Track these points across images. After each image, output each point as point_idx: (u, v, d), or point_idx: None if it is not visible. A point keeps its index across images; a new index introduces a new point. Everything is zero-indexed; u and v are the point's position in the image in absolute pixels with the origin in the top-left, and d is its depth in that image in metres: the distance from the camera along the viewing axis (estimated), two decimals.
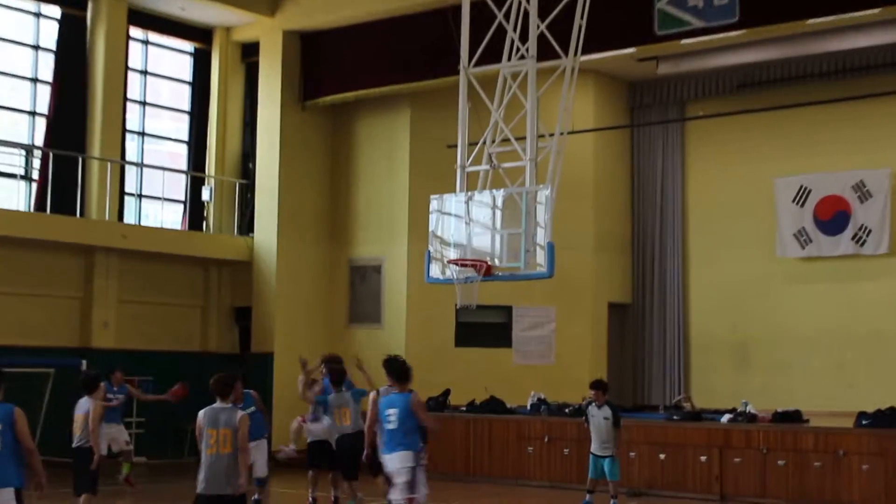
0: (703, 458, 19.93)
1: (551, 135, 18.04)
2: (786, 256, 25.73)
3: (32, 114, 25.14)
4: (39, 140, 24.97)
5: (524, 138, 18.03)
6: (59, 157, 24.68)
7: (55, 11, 25.24)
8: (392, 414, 13.06)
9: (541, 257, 17.31)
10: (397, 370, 13.41)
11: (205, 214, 27.69)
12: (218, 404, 11.66)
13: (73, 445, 15.17)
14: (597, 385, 17.85)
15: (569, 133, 18.59)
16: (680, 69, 24.94)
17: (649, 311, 27.40)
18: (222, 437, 11.40)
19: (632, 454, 19.94)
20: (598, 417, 17.53)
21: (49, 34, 25.29)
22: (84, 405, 15.18)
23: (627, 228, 27.85)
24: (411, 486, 12.94)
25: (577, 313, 25.88)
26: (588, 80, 25.39)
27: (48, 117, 24.97)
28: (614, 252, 27.25)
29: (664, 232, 27.44)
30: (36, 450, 9.70)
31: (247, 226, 27.50)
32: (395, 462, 13.05)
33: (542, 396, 22.69)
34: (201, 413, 11.63)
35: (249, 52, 27.87)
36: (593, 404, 17.66)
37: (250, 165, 27.64)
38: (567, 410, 21.53)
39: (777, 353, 25.60)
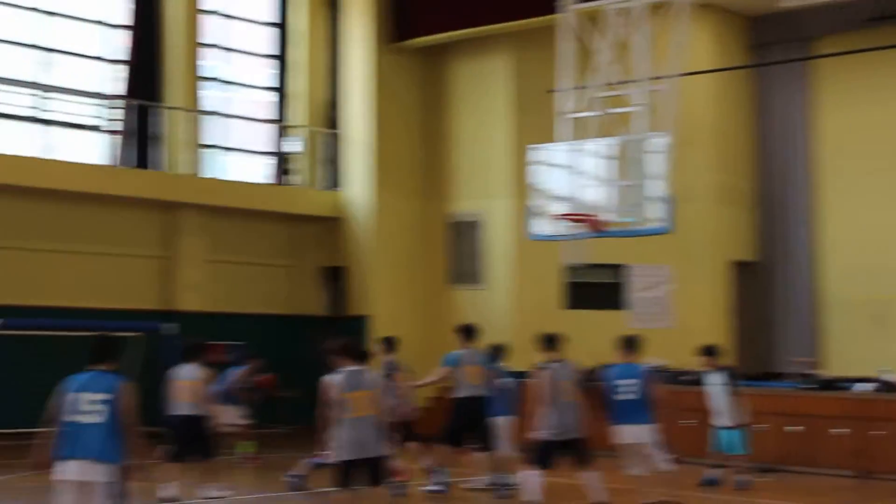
0: (837, 431, 19.48)
1: (665, 77, 17.71)
2: None
3: (108, 61, 25.32)
4: (117, 89, 25.16)
5: (635, 81, 17.73)
6: (137, 106, 24.88)
7: None
8: (630, 384, 14.37)
9: (656, 211, 17.10)
10: (632, 342, 14.96)
11: (291, 168, 27.73)
12: (352, 367, 12.03)
13: (182, 413, 15.52)
14: (706, 351, 17.78)
15: (684, 75, 18.28)
16: (805, 2, 24.18)
17: (776, 269, 26.71)
18: (363, 399, 11.82)
19: (760, 427, 19.52)
20: (712, 384, 17.45)
21: None
22: (189, 372, 15.51)
23: (751, 179, 27.11)
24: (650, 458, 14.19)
25: (697, 272, 25.37)
26: (705, 15, 24.82)
27: (127, 64, 25.14)
28: (737, 205, 26.61)
29: (792, 182, 26.63)
30: (136, 428, 9.66)
31: (336, 180, 27.49)
32: (639, 434, 14.30)
33: (662, 362, 22.38)
34: (336, 378, 11.95)
35: None
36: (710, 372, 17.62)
37: (338, 114, 27.63)
38: (685, 378, 21.23)
39: None
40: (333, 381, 11.95)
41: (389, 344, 17.50)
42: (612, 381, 14.64)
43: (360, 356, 12.30)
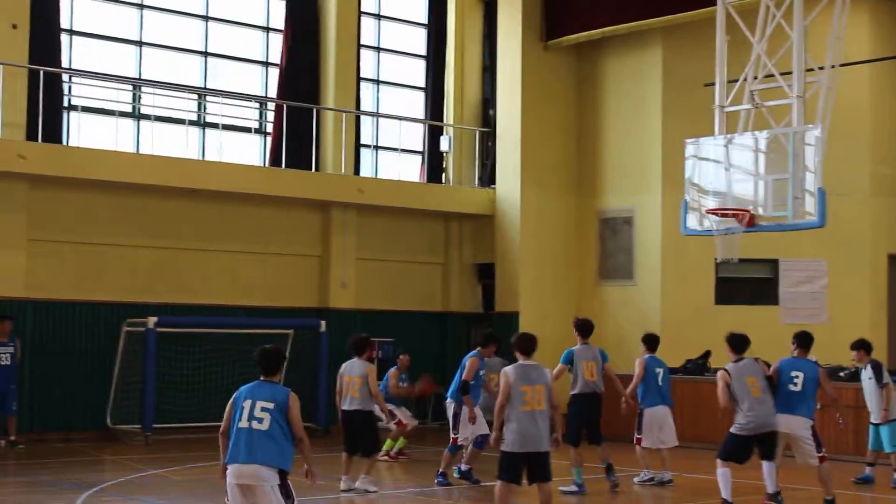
0: None
1: (821, 68, 17.47)
2: None
3: (265, 64, 25.61)
4: (273, 92, 25.45)
5: (790, 73, 17.51)
6: (292, 108, 25.13)
7: None
8: (798, 377, 14.51)
9: (811, 205, 16.97)
10: (806, 338, 15.20)
11: (444, 165, 27.78)
12: (525, 361, 12.11)
13: (351, 408, 15.79)
14: (856, 345, 17.37)
15: (841, 65, 17.95)
16: None
17: None
18: (536, 393, 11.91)
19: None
20: (865, 380, 17.22)
21: None
22: (357, 368, 15.79)
23: None
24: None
25: (853, 267, 24.84)
26: (862, 4, 24.24)
27: (281, 67, 25.41)
28: (894, 198, 25.97)
29: None
30: (307, 438, 9.91)
31: (488, 177, 27.45)
32: (794, 425, 14.40)
33: (814, 359, 21.89)
34: (510, 369, 12.08)
35: None
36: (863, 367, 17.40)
37: (490, 112, 27.59)
38: (842, 374, 20.76)
39: None
40: (510, 372, 12.04)
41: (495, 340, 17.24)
42: (784, 372, 14.68)
43: (530, 350, 12.27)
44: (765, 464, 14.24)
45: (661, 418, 17.09)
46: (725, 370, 14.16)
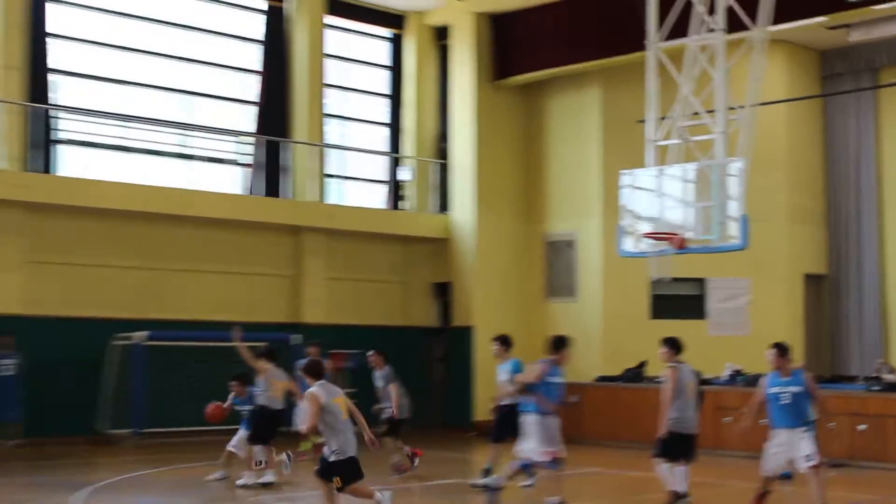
0: None
1: (741, 107, 17.61)
2: None
3: (242, 102, 25.70)
4: (249, 126, 25.51)
5: (714, 111, 17.65)
6: (267, 142, 25.22)
7: (261, 4, 25.73)
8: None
9: (734, 229, 17.07)
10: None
11: (404, 194, 27.86)
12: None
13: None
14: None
15: (759, 105, 18.13)
16: (872, 36, 23.74)
17: (846, 282, 26.33)
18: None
19: (830, 425, 19.28)
20: None
21: (255, 26, 25.78)
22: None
23: (821, 200, 26.79)
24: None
25: (772, 285, 25.11)
26: (778, 50, 24.54)
27: (257, 105, 25.49)
28: (808, 224, 26.31)
29: (860, 203, 26.21)
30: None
31: (444, 204, 27.54)
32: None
33: (738, 367, 22.19)
34: (681, 367, 13.83)
35: (442, 36, 27.83)
36: None
37: (445, 146, 27.62)
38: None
39: None
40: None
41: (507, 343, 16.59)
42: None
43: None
44: (683, 466, 13.98)
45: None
46: (675, 368, 13.90)
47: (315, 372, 12.48)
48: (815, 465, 12.91)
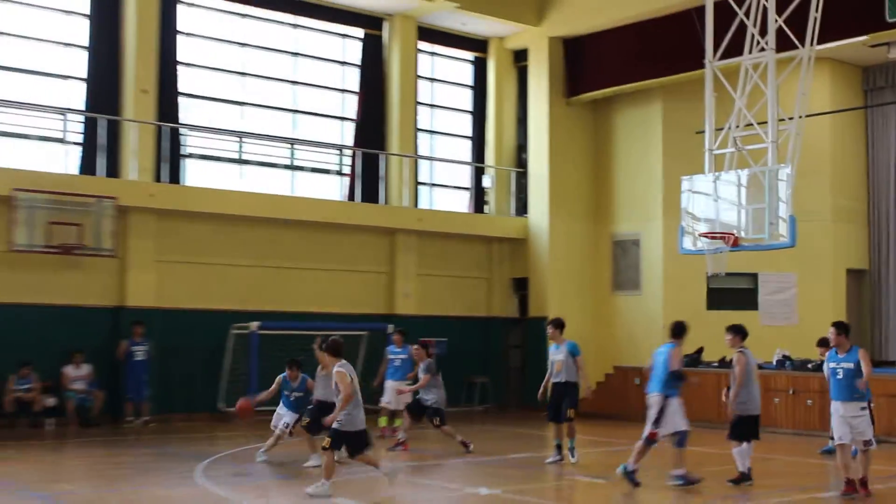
0: None
1: (790, 119, 17.47)
2: None
3: (343, 119, 25.92)
4: (349, 140, 25.74)
5: (765, 123, 17.54)
6: (364, 154, 25.42)
7: (358, 32, 25.95)
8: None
9: (783, 229, 16.92)
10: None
11: (486, 199, 27.90)
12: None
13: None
14: (824, 342, 16.36)
15: (806, 116, 17.99)
16: None
17: (885, 276, 25.93)
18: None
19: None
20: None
21: (354, 51, 26.02)
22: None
23: (863, 201, 26.38)
24: None
25: (817, 279, 24.82)
26: (823, 66, 24.31)
27: (356, 121, 25.71)
28: (851, 223, 25.92)
29: None
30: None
31: (522, 208, 27.57)
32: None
33: (787, 353, 21.96)
34: (747, 353, 13.81)
35: (520, 58, 27.87)
36: None
37: (523, 156, 27.63)
38: (809, 366, 20.80)
39: None
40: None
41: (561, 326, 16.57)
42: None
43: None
44: (747, 444, 13.73)
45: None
46: (744, 352, 13.80)
47: (336, 351, 12.73)
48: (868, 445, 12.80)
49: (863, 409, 12.81)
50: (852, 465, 12.95)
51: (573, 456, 15.94)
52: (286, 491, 13.69)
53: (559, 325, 16.46)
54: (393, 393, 19.13)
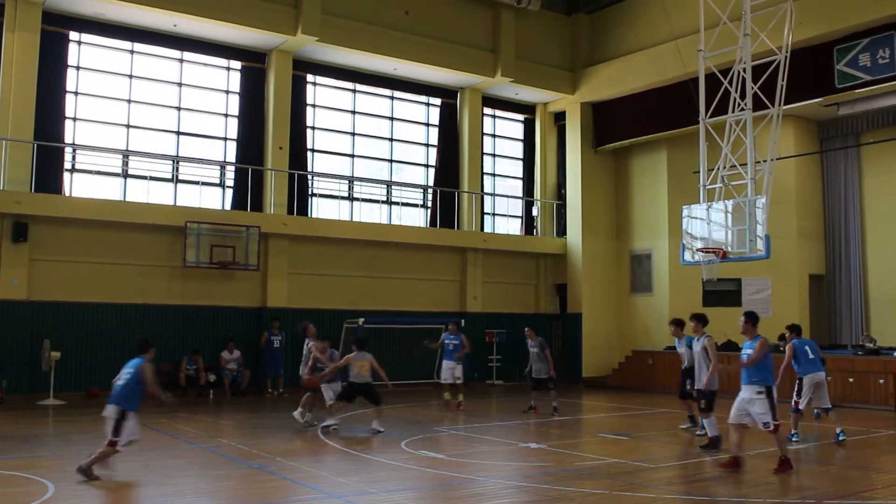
0: (881, 381, 18.49)
1: (764, 161, 17.20)
2: None
3: (426, 165, 26.02)
4: (431, 181, 25.82)
5: (745, 164, 17.28)
6: (443, 192, 25.47)
7: (437, 101, 26.04)
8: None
9: (760, 244, 16.69)
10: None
11: (534, 224, 27.81)
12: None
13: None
14: (792, 328, 14.33)
15: (776, 160, 17.69)
16: (855, 110, 22.84)
17: (838, 279, 25.37)
18: None
19: (828, 378, 18.54)
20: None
21: (434, 115, 26.10)
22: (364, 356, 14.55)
23: (820, 223, 25.83)
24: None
25: (787, 282, 24.39)
26: (789, 122, 23.96)
27: (436, 167, 25.81)
28: (812, 239, 25.43)
29: (848, 224, 25.25)
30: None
31: (561, 231, 27.41)
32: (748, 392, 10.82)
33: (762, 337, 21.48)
34: (795, 342, 13.11)
35: (559, 118, 27.79)
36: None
37: (562, 191, 27.53)
38: (781, 348, 20.34)
39: None
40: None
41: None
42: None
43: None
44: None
45: (818, 383, 13.51)
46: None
47: (359, 344, 13.91)
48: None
49: (759, 392, 10.59)
50: (741, 444, 10.85)
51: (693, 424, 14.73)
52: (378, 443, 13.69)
53: (679, 324, 15.02)
54: (448, 370, 18.63)
